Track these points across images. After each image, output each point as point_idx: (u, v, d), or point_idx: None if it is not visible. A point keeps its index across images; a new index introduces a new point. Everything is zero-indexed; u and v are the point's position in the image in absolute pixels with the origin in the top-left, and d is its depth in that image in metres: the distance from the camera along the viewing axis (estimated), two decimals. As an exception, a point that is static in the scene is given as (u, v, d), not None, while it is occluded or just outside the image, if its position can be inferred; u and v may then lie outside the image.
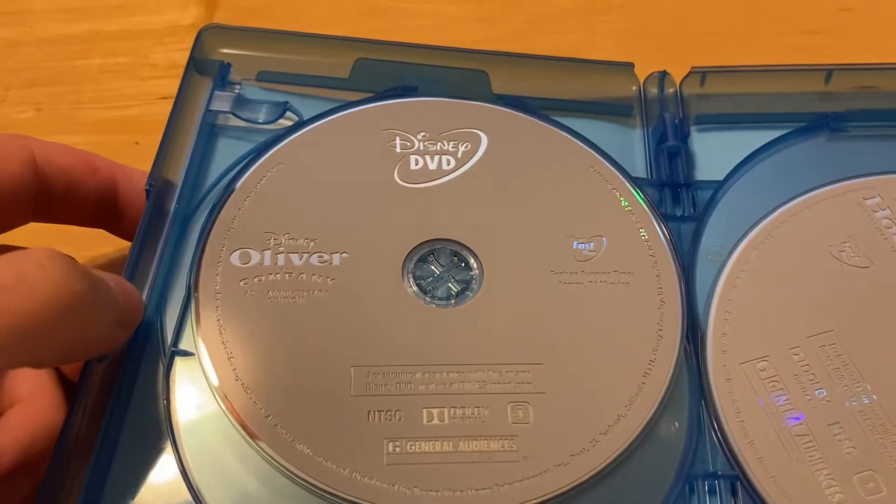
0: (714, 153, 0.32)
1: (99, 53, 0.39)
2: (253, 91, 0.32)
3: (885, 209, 0.29)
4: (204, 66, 0.32)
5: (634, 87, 0.33)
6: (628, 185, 0.30)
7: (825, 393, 0.25)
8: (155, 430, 0.24)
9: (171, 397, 0.24)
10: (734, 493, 0.24)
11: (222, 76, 0.31)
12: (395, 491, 0.23)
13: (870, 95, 0.33)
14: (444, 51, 0.32)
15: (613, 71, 0.33)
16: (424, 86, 0.32)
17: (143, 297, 0.26)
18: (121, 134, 0.37)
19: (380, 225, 0.28)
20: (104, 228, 0.30)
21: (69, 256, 0.21)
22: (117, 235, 0.30)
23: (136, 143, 0.36)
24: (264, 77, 0.32)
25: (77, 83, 0.38)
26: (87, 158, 0.28)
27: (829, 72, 0.33)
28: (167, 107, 0.36)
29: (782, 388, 0.26)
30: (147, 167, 0.28)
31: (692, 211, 0.30)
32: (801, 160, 0.31)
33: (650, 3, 0.41)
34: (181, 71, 0.37)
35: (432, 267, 0.28)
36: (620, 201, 0.30)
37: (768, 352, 0.26)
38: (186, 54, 0.35)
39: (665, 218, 0.29)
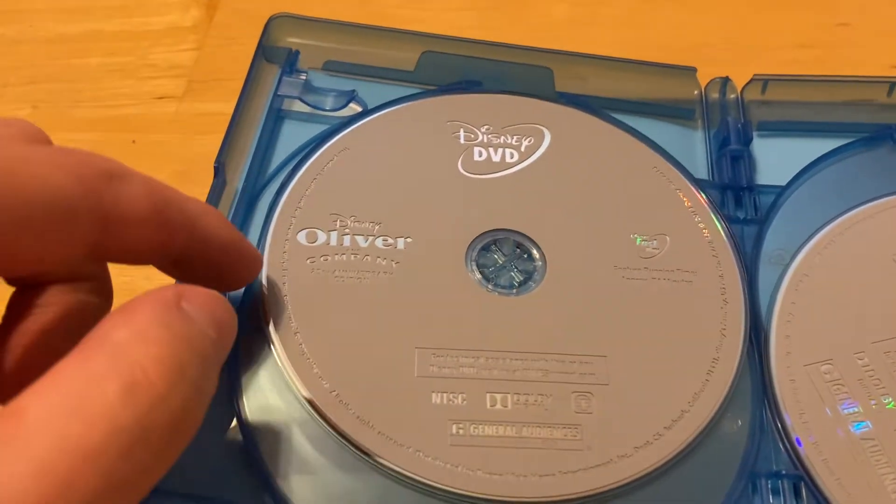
0: (774, 159, 0.32)
1: (98, 53, 0.39)
2: (319, 79, 0.32)
3: (949, 220, 0.29)
4: (272, 54, 0.32)
5: (696, 91, 0.33)
6: (691, 185, 0.30)
7: (891, 399, 0.25)
8: (219, 406, 0.24)
9: (239, 370, 0.24)
10: (797, 494, 0.24)
11: (290, 63, 0.32)
12: (458, 472, 0.23)
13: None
14: (507, 47, 0.33)
15: (675, 74, 0.33)
16: (488, 81, 0.32)
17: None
18: (118, 132, 0.35)
19: (443, 212, 0.28)
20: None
21: (165, 332, 0.17)
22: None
23: (133, 141, 0.35)
24: (331, 66, 0.33)
25: (75, 81, 0.37)
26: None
27: (891, 84, 0.33)
28: (165, 106, 0.36)
29: (847, 392, 0.25)
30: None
31: (754, 214, 0.30)
32: (864, 169, 0.31)
33: (645, 15, 0.41)
34: (180, 71, 0.38)
35: (495, 256, 0.28)
36: (683, 201, 0.30)
37: (832, 355, 0.26)
38: (186, 55, 0.34)
39: (728, 220, 0.30)
